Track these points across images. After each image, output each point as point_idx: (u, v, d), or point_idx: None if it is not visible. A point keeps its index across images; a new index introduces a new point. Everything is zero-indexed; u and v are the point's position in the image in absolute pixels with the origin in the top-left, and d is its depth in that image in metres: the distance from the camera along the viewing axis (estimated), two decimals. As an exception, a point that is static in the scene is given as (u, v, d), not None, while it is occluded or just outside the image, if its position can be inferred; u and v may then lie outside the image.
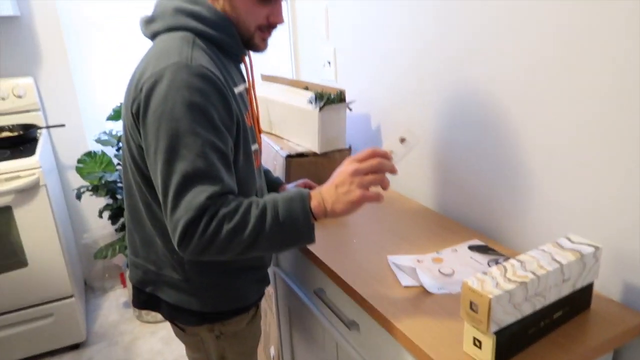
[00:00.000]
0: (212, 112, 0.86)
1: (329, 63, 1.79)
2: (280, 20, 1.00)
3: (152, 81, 0.85)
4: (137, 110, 0.88)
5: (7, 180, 1.93)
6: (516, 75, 1.06)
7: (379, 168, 0.87)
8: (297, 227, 0.86)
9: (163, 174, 0.84)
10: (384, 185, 0.88)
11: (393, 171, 0.89)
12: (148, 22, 0.98)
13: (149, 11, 0.99)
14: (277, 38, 2.12)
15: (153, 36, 0.97)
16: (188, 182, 0.83)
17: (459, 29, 1.19)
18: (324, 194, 0.88)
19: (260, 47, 1.02)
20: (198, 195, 0.82)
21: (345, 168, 0.88)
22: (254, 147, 1.02)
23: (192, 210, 0.81)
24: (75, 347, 2.24)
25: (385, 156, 0.89)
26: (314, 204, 0.87)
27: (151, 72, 0.86)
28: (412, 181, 1.47)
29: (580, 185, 0.97)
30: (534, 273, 0.78)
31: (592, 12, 0.89)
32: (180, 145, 0.83)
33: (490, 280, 0.77)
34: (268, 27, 1.00)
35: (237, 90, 0.96)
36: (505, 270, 0.79)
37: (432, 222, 1.27)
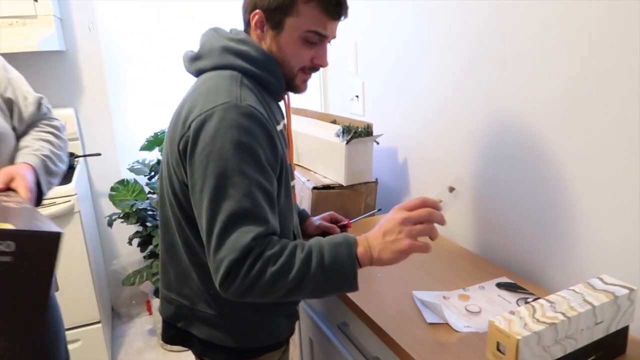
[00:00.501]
0: (259, 151, 0.86)
1: (357, 97, 1.82)
2: (325, 64, 1.01)
3: (201, 119, 0.86)
4: (184, 147, 0.88)
5: (43, 206, 2.00)
6: (552, 107, 1.05)
7: (428, 218, 0.85)
8: (342, 273, 0.84)
9: (209, 212, 0.84)
10: (433, 235, 0.86)
11: (442, 222, 0.86)
12: (194, 59, 0.99)
13: (191, 47, 1.02)
14: (307, 72, 2.17)
15: (198, 73, 0.98)
16: (234, 222, 0.82)
17: (491, 61, 1.19)
18: (370, 241, 0.86)
19: (300, 89, 1.04)
20: (243, 235, 0.82)
21: (394, 216, 0.86)
22: (292, 183, 1.03)
23: (236, 250, 0.81)
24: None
25: (435, 206, 0.87)
26: (360, 250, 0.85)
27: (200, 110, 0.87)
28: (439, 215, 1.46)
29: (616, 225, 0.95)
30: (564, 314, 0.75)
31: (628, 34, 0.88)
32: (228, 184, 0.83)
33: (518, 321, 0.74)
34: (311, 69, 1.01)
35: (278, 128, 0.97)
36: (534, 310, 0.77)
37: (459, 258, 1.24)
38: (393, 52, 1.56)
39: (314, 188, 1.49)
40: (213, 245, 0.83)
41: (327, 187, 1.50)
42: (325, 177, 1.58)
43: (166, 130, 1.01)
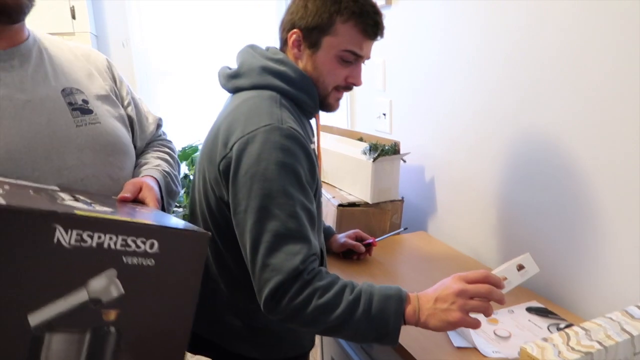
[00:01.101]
0: (301, 172, 0.88)
1: (384, 115, 1.81)
2: (359, 83, 1.02)
3: (244, 141, 0.87)
4: (226, 167, 0.89)
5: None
6: (585, 125, 1.03)
7: (487, 295, 0.82)
8: (385, 328, 0.82)
9: (253, 232, 0.84)
10: (487, 313, 0.82)
11: (501, 302, 0.83)
12: (232, 77, 1.01)
13: (222, 63, 1.05)
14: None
15: (235, 90, 1.00)
16: (279, 242, 0.83)
17: (518, 80, 1.18)
18: (422, 303, 0.84)
19: (333, 107, 1.04)
20: (291, 257, 0.82)
21: (452, 284, 0.84)
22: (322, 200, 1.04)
23: (285, 272, 0.81)
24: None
25: (498, 284, 0.84)
26: (409, 310, 0.83)
27: (242, 132, 0.88)
28: (470, 237, 1.43)
29: (652, 250, 0.91)
30: (600, 343, 0.72)
31: (661, 70, 0.86)
32: (273, 204, 0.84)
33: (551, 348, 0.72)
34: (345, 88, 1.02)
35: (313, 146, 0.97)
36: (569, 337, 0.74)
37: (488, 281, 1.21)
38: (421, 70, 1.56)
39: (340, 205, 1.48)
40: (259, 264, 0.83)
41: (352, 204, 1.49)
42: (350, 195, 1.57)
43: (202, 146, 1.02)
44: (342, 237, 1.34)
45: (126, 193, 0.87)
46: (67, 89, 0.90)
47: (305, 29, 0.96)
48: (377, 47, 1.78)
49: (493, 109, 1.27)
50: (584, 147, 1.03)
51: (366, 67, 1.89)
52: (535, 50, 1.11)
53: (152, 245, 0.61)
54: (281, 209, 0.84)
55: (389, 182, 1.51)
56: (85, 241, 0.57)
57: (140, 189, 0.90)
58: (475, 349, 0.92)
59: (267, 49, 1.02)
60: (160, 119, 1.14)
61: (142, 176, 0.96)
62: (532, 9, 1.11)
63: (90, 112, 0.91)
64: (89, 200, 0.72)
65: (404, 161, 1.55)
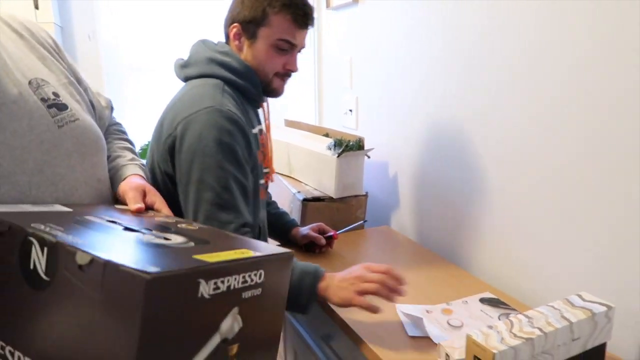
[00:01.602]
0: (238, 150, 1.00)
1: (351, 111, 1.84)
2: (295, 69, 1.15)
3: (188, 121, 0.99)
4: (171, 144, 1.01)
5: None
6: (549, 125, 1.07)
7: (381, 282, 0.96)
8: (298, 297, 0.97)
9: (193, 202, 0.98)
10: (380, 295, 0.96)
11: (395, 292, 0.97)
12: (183, 66, 1.13)
13: (182, 55, 1.15)
14: (304, 85, 2.20)
15: (186, 79, 1.12)
16: (215, 211, 0.98)
17: (484, 79, 1.22)
18: (331, 281, 0.99)
19: (278, 92, 1.17)
20: (224, 226, 0.97)
21: (356, 269, 0.99)
22: (261, 182, 1.14)
23: None
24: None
25: (397, 278, 0.98)
26: (321, 285, 0.98)
27: (187, 112, 1.00)
28: (432, 232, 1.47)
29: (597, 244, 0.96)
30: (541, 330, 0.76)
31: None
32: (210, 178, 0.97)
33: (495, 335, 0.75)
34: (284, 74, 1.15)
35: (254, 131, 1.09)
36: (512, 325, 0.78)
37: (445, 272, 1.25)
38: (386, 68, 1.59)
39: (304, 200, 1.50)
40: None
41: (317, 199, 1.51)
42: (316, 190, 1.59)
43: (153, 130, 1.12)
44: (305, 230, 1.36)
45: (137, 203, 0.80)
46: (32, 81, 0.76)
47: (243, 22, 1.08)
48: (344, 45, 1.81)
49: (455, 106, 1.31)
50: (548, 146, 1.07)
51: (333, 65, 1.92)
52: (497, 50, 1.15)
53: (260, 276, 0.64)
54: (217, 181, 0.97)
55: (353, 177, 1.54)
56: (218, 288, 0.58)
57: (144, 193, 0.84)
58: (428, 337, 0.96)
59: (217, 43, 1.14)
60: (110, 101, 1.03)
61: (129, 175, 0.88)
62: (493, 9, 1.15)
63: (65, 107, 0.78)
64: (128, 223, 0.69)
65: (368, 157, 1.58)
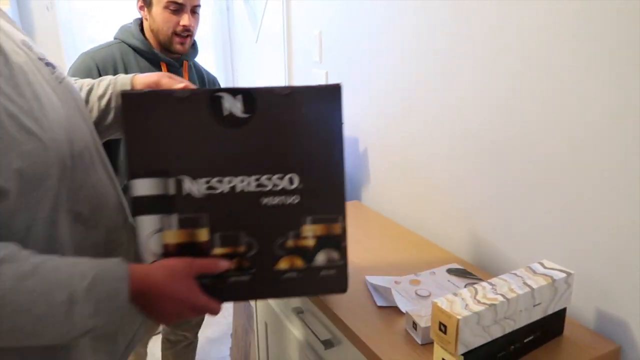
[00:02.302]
0: None
1: (321, 86, 1.82)
2: (187, 24, 1.46)
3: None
4: None
5: None
6: (506, 92, 1.09)
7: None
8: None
9: None
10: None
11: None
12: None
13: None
14: (273, 59, 2.16)
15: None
16: None
17: (456, 53, 1.22)
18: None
19: (180, 50, 1.51)
20: None
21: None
22: None
23: None
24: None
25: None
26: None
27: None
28: (402, 207, 1.48)
29: (558, 212, 0.99)
30: (504, 296, 0.78)
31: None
32: None
33: (459, 302, 0.77)
34: (181, 33, 1.46)
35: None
36: (476, 292, 0.80)
37: (412, 244, 1.27)
38: (356, 42, 1.58)
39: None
40: None
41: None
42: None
43: None
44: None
45: (182, 83, 0.95)
46: (24, 42, 0.73)
47: None
48: (313, 19, 1.78)
49: (427, 80, 1.31)
50: (516, 116, 1.08)
51: (302, 40, 1.90)
52: (477, 25, 1.15)
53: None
54: None
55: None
56: None
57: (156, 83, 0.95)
58: (396, 307, 0.97)
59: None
60: None
61: (130, 78, 0.97)
62: (456, -17, 1.14)
63: (53, 66, 0.77)
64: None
65: (338, 132, 1.57)
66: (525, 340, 0.83)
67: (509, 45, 1.04)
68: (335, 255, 0.83)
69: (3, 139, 0.61)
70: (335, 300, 1.00)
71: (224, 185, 0.78)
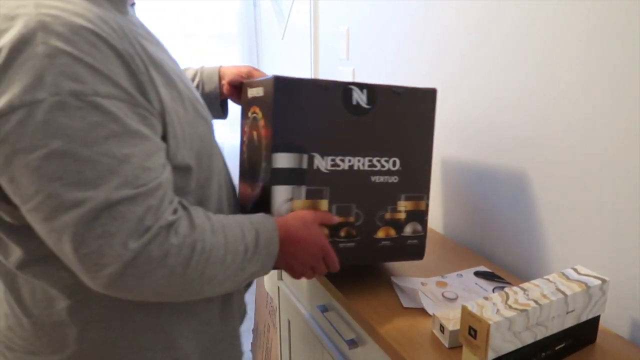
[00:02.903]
0: None
1: (347, 84, 1.81)
2: None
3: None
4: None
5: None
6: (535, 94, 1.06)
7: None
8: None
9: None
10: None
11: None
12: None
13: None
14: (299, 57, 2.16)
15: None
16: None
17: (489, 49, 1.19)
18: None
19: None
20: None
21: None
22: None
23: None
24: None
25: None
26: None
27: None
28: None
29: (592, 218, 0.96)
30: (536, 302, 0.76)
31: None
32: None
33: (490, 306, 0.75)
34: None
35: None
36: (507, 297, 0.78)
37: (440, 246, 1.26)
38: (384, 39, 1.56)
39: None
40: None
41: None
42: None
43: None
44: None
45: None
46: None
47: None
48: (341, 16, 1.77)
49: (459, 81, 1.29)
50: (553, 115, 1.06)
51: (329, 36, 1.89)
52: (512, 18, 1.13)
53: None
54: None
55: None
56: None
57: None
58: (422, 309, 0.96)
59: None
60: None
61: (217, 69, 1.12)
62: (491, -20, 1.12)
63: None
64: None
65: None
66: (556, 348, 0.81)
67: (549, 46, 1.01)
68: (419, 227, 1.01)
69: (189, 122, 0.73)
70: (360, 300, 0.99)
71: (344, 163, 0.93)
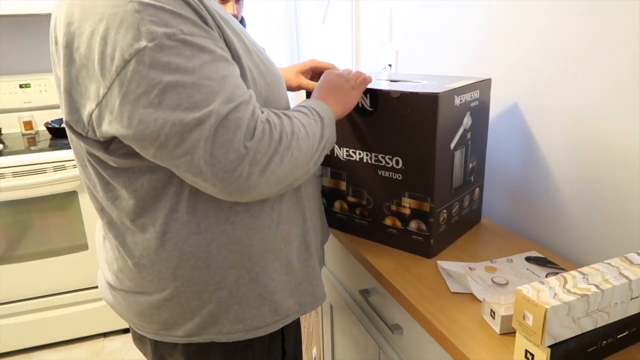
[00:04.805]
0: None
1: (390, 66, 1.77)
2: (232, 12, 1.53)
3: None
4: None
5: (74, 166, 2.04)
6: (598, 75, 1.00)
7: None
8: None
9: None
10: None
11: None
12: None
13: None
14: (340, 39, 2.12)
15: None
16: None
17: (531, 26, 1.13)
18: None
19: None
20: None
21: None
22: None
23: None
24: (127, 330, 2.32)
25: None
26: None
27: None
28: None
29: (656, 199, 0.90)
30: (597, 286, 0.72)
31: None
32: None
33: (547, 290, 0.71)
34: None
35: None
36: (565, 281, 0.74)
37: (487, 231, 1.21)
38: (429, 20, 1.51)
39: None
40: None
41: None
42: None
43: None
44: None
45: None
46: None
47: None
48: (384, -6, 1.73)
49: (497, 57, 1.23)
50: (593, 103, 1.00)
51: (372, 16, 1.84)
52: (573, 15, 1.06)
53: (477, 93, 1.08)
54: None
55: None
56: (461, 100, 1.04)
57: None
58: (470, 294, 0.92)
59: None
60: None
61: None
62: (546, -52, 1.05)
63: None
64: (390, 80, 1.15)
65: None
66: (619, 336, 0.76)
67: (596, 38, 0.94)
68: (423, 226, 1.04)
69: (257, 70, 0.82)
70: (406, 283, 0.97)
71: (356, 155, 1.09)
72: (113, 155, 0.77)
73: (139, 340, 0.99)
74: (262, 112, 0.76)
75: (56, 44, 0.76)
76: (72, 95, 0.75)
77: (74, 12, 0.71)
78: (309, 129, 0.82)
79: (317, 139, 0.84)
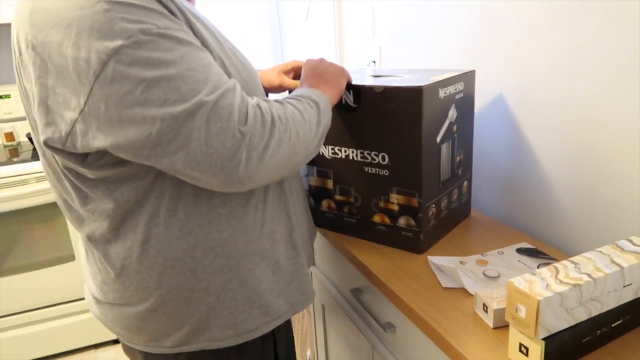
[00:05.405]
0: None
1: (374, 62, 1.75)
2: None
3: None
4: None
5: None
6: (584, 66, 0.99)
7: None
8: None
9: None
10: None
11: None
12: None
13: None
14: (323, 35, 2.11)
15: None
16: None
17: (514, 25, 1.12)
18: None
19: None
20: None
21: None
22: None
23: None
24: (117, 341, 2.28)
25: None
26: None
27: None
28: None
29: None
30: (589, 275, 0.70)
31: None
32: None
33: (539, 281, 0.70)
34: None
35: None
36: (557, 271, 0.72)
37: (478, 224, 1.19)
38: (411, 16, 1.49)
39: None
40: None
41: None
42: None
43: None
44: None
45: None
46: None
47: None
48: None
49: (483, 56, 1.22)
50: (582, 87, 0.98)
51: (355, 12, 1.82)
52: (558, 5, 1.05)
53: (462, 85, 1.07)
54: None
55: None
56: (446, 92, 1.02)
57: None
58: (462, 289, 0.91)
59: None
60: None
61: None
62: (524, -64, 1.04)
63: None
64: (373, 74, 1.14)
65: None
66: (613, 325, 0.75)
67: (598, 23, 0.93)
68: (412, 222, 1.03)
69: (231, 65, 0.80)
70: (396, 280, 0.95)
71: (342, 153, 1.07)
72: (90, 168, 0.75)
73: (129, 351, 0.97)
74: (252, 99, 0.75)
75: (20, 54, 0.72)
76: (49, 105, 0.71)
77: (38, 20, 0.68)
78: (304, 113, 0.81)
79: (315, 123, 0.83)
